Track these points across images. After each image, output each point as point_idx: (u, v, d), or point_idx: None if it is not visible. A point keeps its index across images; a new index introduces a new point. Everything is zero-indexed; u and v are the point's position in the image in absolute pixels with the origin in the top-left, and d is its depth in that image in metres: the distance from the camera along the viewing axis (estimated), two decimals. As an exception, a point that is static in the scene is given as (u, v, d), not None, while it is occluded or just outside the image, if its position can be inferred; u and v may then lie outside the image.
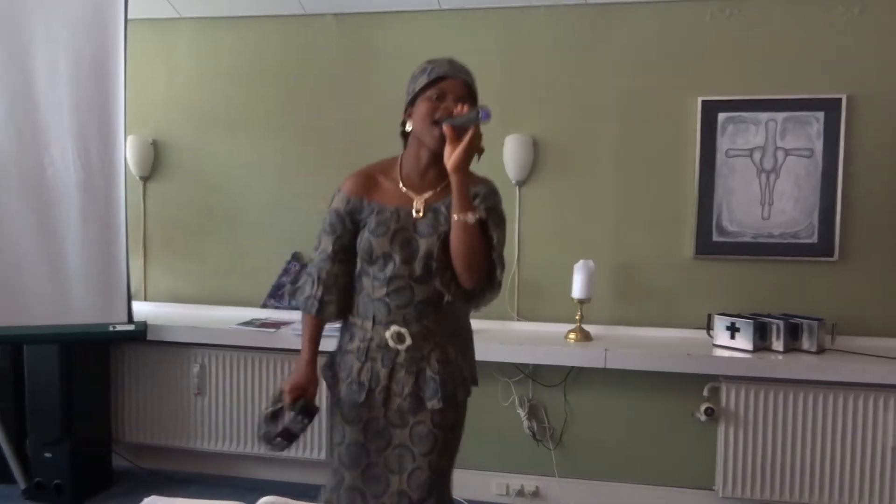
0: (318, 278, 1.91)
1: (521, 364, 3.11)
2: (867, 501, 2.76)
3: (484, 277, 1.79)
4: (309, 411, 1.90)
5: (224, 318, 3.30)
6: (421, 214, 1.82)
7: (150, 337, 3.15)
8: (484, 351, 2.92)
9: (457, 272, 1.77)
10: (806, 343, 2.82)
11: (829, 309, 2.92)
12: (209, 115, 3.46)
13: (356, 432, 1.89)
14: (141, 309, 3.34)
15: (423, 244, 1.79)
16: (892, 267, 2.93)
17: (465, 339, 1.96)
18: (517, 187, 3.19)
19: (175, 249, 3.56)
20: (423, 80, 1.80)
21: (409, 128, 1.84)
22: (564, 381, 3.12)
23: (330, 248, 1.90)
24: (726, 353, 2.82)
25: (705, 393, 2.93)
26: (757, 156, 3.00)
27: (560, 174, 3.17)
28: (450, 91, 1.77)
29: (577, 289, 2.96)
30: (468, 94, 1.80)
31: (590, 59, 3.12)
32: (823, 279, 2.98)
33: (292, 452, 3.17)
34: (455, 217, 1.71)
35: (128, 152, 3.30)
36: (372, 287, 1.86)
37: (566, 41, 3.14)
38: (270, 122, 3.41)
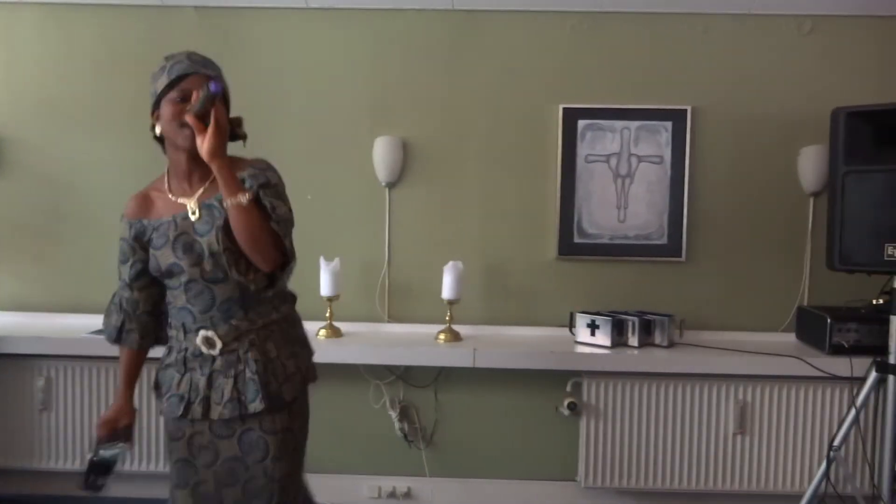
0: (120, 307, 1.91)
1: (392, 366, 3.11)
2: (713, 483, 2.98)
3: (277, 255, 1.76)
4: (98, 467, 1.87)
5: (75, 327, 3.07)
6: (197, 215, 1.79)
7: (-13, 349, 2.89)
8: (355, 353, 2.95)
9: (250, 257, 1.73)
10: (658, 338, 3.01)
11: (678, 305, 3.14)
12: (58, 109, 3.21)
13: (181, 448, 1.83)
14: (-23, 318, 3.05)
15: (205, 242, 1.76)
16: (731, 266, 3.18)
17: (287, 333, 1.89)
18: (387, 189, 3.19)
19: (20, 254, 3.27)
20: (163, 81, 1.76)
21: (158, 132, 1.80)
22: (435, 381, 3.15)
23: (126, 276, 1.88)
24: (587, 350, 2.95)
25: (568, 388, 3.06)
26: (613, 162, 3.17)
27: (429, 176, 3.20)
28: (193, 89, 1.73)
29: (447, 290, 3.00)
30: None
31: (458, 64, 3.18)
32: (673, 278, 3.19)
33: (142, 467, 3.02)
34: (227, 203, 1.68)
35: (-41, 147, 3.00)
36: (174, 296, 1.82)
37: (435, 45, 3.18)
38: (127, 117, 3.21)
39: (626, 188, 3.17)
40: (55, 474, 3.10)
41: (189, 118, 1.66)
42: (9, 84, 3.22)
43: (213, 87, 1.64)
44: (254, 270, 1.77)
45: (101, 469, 1.87)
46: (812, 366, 2.82)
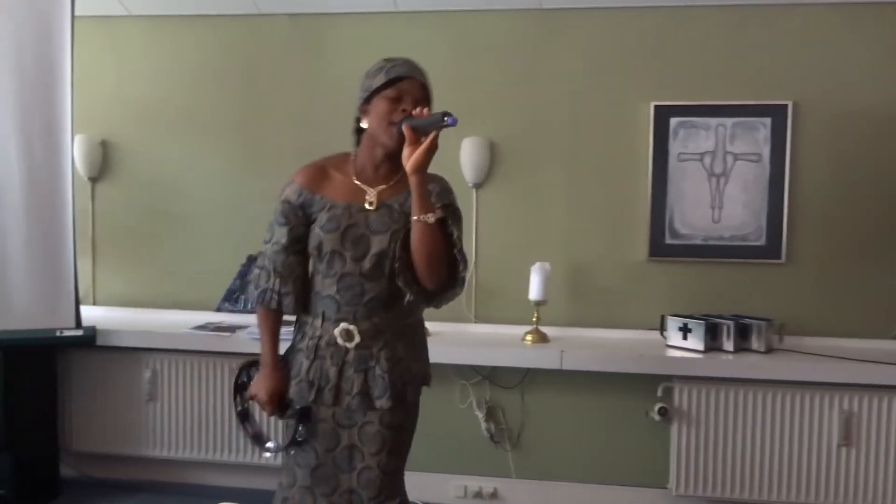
0: (274, 270, 1.86)
1: (479, 366, 3.12)
2: (814, 497, 2.84)
3: (446, 276, 1.79)
4: (305, 415, 1.87)
5: (177, 323, 3.24)
6: (374, 207, 1.82)
7: (99, 342, 3.07)
8: (441, 353, 2.96)
9: (419, 273, 1.77)
10: (755, 343, 2.89)
11: (776, 310, 3.00)
12: (160, 116, 3.39)
13: (307, 431, 1.88)
14: (90, 313, 3.25)
15: (376, 241, 1.79)
16: (835, 269, 3.03)
17: (415, 337, 1.94)
18: (474, 190, 3.20)
19: (125, 252, 3.47)
20: (380, 79, 1.79)
21: (364, 125, 1.83)
22: (521, 382, 3.14)
23: (284, 239, 1.86)
24: (679, 354, 2.87)
25: (659, 393, 2.98)
26: (707, 160, 3.07)
27: (516, 177, 3.19)
28: (408, 92, 1.78)
29: (534, 291, 2.98)
30: (425, 96, 1.82)
31: (544, 63, 3.15)
32: (771, 281, 3.06)
33: (245, 458, 3.14)
34: (415, 218, 1.72)
35: (75, 152, 3.22)
36: (322, 283, 1.84)
37: (520, 44, 3.16)
38: (223, 123, 3.36)
39: (721, 187, 3.06)
40: (160, 461, 3.27)
41: (406, 128, 1.70)
42: (116, 92, 3.41)
43: (450, 121, 1.66)
44: (417, 284, 1.80)
45: (292, 444, 1.88)
46: (926, 376, 2.65)
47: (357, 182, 1.85)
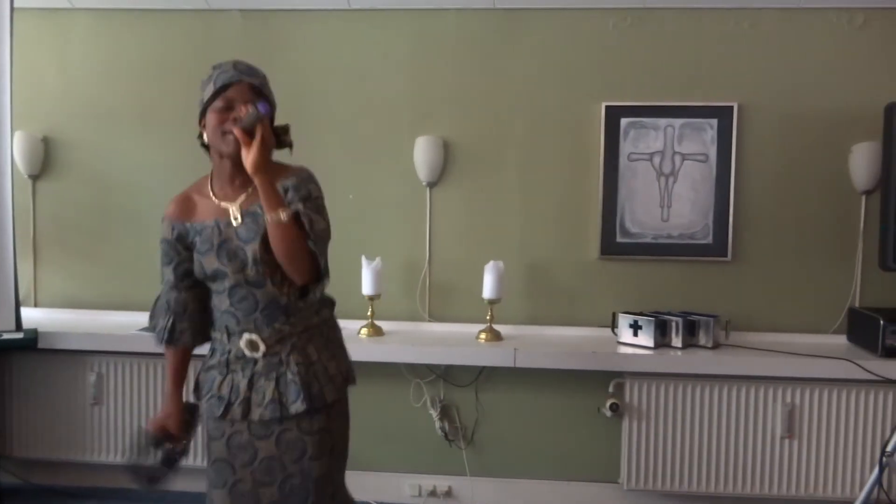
0: (168, 308, 1.92)
1: (433, 365, 3.12)
2: (759, 488, 2.93)
3: (312, 270, 1.78)
4: (169, 453, 1.93)
5: (123, 324, 3.16)
6: (239, 220, 1.81)
7: (41, 345, 2.98)
8: (395, 352, 2.96)
9: (285, 270, 1.76)
10: (702, 339, 2.96)
11: (723, 306, 3.08)
12: (106, 112, 3.30)
13: (220, 448, 1.86)
14: (31, 315, 3.16)
15: (249, 249, 1.78)
16: (778, 266, 3.11)
17: (326, 336, 1.92)
18: (428, 188, 3.20)
19: (69, 252, 3.37)
20: (209, 91, 1.79)
21: (205, 139, 1.84)
22: (476, 380, 3.15)
23: (172, 277, 1.91)
24: (630, 351, 2.92)
25: (611, 389, 3.03)
26: (657, 160, 3.13)
27: (470, 176, 3.20)
28: (237, 98, 1.77)
29: (488, 289, 3.00)
30: (256, 95, 1.80)
31: (498, 63, 3.17)
32: (718, 278, 3.13)
33: (194, 462, 3.07)
34: (267, 218, 1.71)
35: (14, 149, 3.11)
36: (219, 300, 1.85)
37: (475, 44, 3.17)
38: (171, 119, 3.28)
39: (669, 187, 3.12)
40: (106, 467, 3.18)
41: (236, 131, 1.70)
42: (60, 87, 3.31)
43: (261, 108, 1.68)
44: (288, 283, 1.80)
45: (158, 470, 1.93)
46: (864, 369, 2.74)
47: (216, 201, 1.85)
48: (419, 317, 3.23)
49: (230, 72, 1.79)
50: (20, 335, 2.92)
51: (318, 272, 1.81)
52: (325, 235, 1.80)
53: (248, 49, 3.23)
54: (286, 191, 1.78)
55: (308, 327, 1.86)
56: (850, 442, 2.88)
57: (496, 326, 3.04)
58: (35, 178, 3.33)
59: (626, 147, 3.12)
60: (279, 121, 1.90)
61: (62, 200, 3.34)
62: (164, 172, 3.30)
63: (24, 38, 3.09)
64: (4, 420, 3.15)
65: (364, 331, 3.03)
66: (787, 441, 2.91)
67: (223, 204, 1.84)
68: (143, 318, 3.19)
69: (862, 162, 3.00)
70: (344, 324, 3.08)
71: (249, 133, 1.69)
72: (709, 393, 2.92)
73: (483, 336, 3.02)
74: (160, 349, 2.00)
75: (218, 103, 1.77)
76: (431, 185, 3.20)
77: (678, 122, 3.10)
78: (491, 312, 3.03)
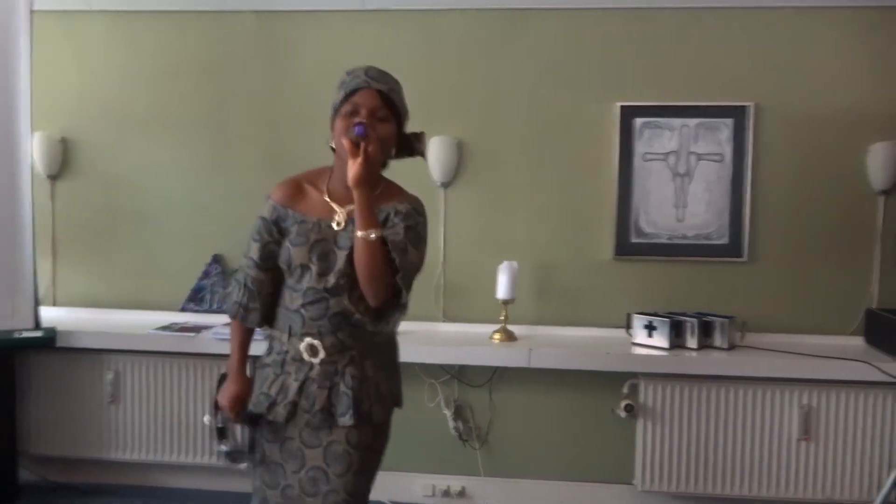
0: (244, 285, 1.89)
1: (447, 365, 3.12)
2: (775, 490, 2.90)
3: (387, 296, 1.76)
4: (255, 421, 1.89)
5: (140, 323, 3.18)
6: (342, 227, 1.80)
7: (59, 343, 3.01)
8: (410, 352, 2.93)
9: (361, 288, 1.74)
10: (718, 340, 2.94)
11: (738, 307, 3.06)
12: (122, 112, 3.33)
13: (274, 451, 1.86)
14: (50, 314, 3.19)
15: (342, 257, 1.76)
16: (795, 267, 3.09)
17: (386, 355, 1.91)
18: (442, 189, 3.20)
19: (87, 251, 3.40)
20: (340, 96, 1.79)
21: (332, 144, 1.82)
22: (490, 380, 3.15)
23: (256, 255, 1.87)
24: (644, 351, 2.91)
25: (625, 390, 3.02)
26: (672, 160, 3.11)
27: (484, 176, 3.20)
28: (362, 104, 1.76)
29: (502, 290, 2.99)
30: (383, 103, 1.78)
31: (513, 62, 3.17)
32: (733, 279, 3.11)
33: (209, 460, 3.10)
34: (357, 233, 1.70)
35: (34, 150, 3.14)
36: (290, 298, 1.83)
37: (490, 44, 3.17)
38: (188, 120, 3.31)
39: (684, 187, 3.11)
40: (123, 464, 3.21)
41: (344, 141, 1.69)
42: (76, 89, 3.34)
43: (357, 130, 1.67)
44: (365, 303, 1.78)
45: (241, 454, 1.94)
46: (881, 371, 2.71)
47: (327, 199, 1.84)
48: (433, 317, 3.23)
49: (360, 77, 1.79)
50: (39, 333, 2.96)
51: (397, 302, 1.78)
52: (414, 269, 1.79)
53: (261, 50, 3.27)
54: (396, 213, 1.77)
55: (370, 344, 1.84)
56: (868, 444, 2.86)
57: (510, 327, 3.04)
58: (54, 178, 3.36)
59: (640, 147, 3.11)
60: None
61: (80, 200, 3.38)
62: (180, 173, 3.33)
63: (43, 41, 3.12)
64: (23, 417, 3.19)
65: (378, 331, 3.04)
66: (803, 443, 2.88)
67: (333, 204, 1.82)
68: (156, 317, 3.26)
69: (879, 162, 2.97)
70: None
71: (358, 146, 1.68)
72: (724, 394, 2.91)
73: (497, 336, 3.02)
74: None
75: (346, 108, 1.76)
76: (445, 185, 3.20)
77: (693, 121, 3.08)
78: (505, 313, 3.03)
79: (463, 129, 3.18)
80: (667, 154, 3.11)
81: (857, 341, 3.02)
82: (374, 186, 1.75)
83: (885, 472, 2.80)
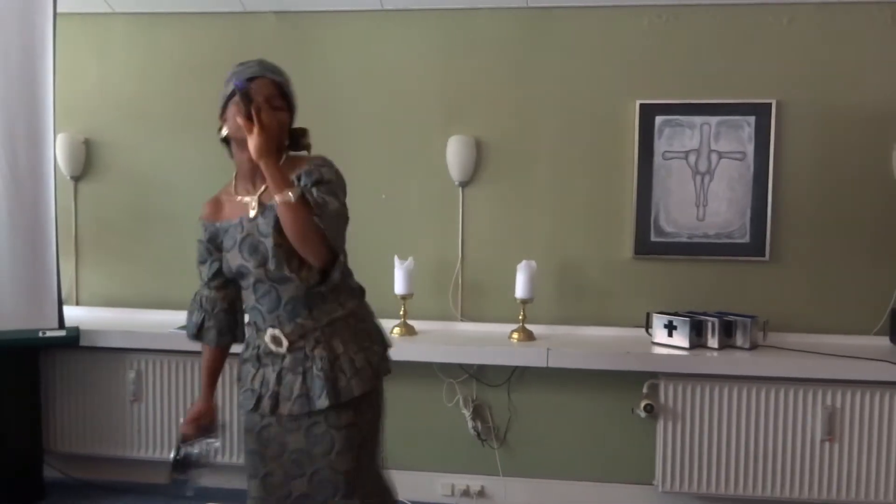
0: (200, 305, 2.00)
1: (466, 364, 3.12)
2: (798, 491, 2.87)
3: (327, 251, 1.77)
4: (205, 437, 1.99)
5: (162, 323, 3.21)
6: (257, 211, 1.83)
7: (82, 343, 3.05)
8: (428, 351, 2.97)
9: (302, 255, 1.76)
10: (739, 340, 2.91)
11: (760, 307, 3.02)
12: (145, 114, 3.37)
13: (253, 440, 1.89)
14: (73, 314, 3.23)
15: (268, 241, 1.79)
16: (818, 266, 3.05)
17: (354, 328, 1.89)
18: (460, 188, 3.20)
19: (109, 251, 3.44)
20: (230, 86, 1.82)
21: (223, 133, 1.87)
22: (508, 380, 3.14)
23: (205, 275, 1.98)
24: (664, 351, 2.89)
25: (645, 390, 3.00)
26: (692, 158, 3.08)
27: (503, 175, 3.19)
28: (258, 91, 1.77)
29: (520, 289, 2.99)
30: (278, 93, 1.83)
31: (531, 62, 3.16)
32: (755, 278, 3.08)
33: (231, 458, 3.12)
34: (276, 199, 1.70)
35: (57, 151, 3.18)
36: (247, 297, 1.90)
37: (508, 43, 3.16)
38: (209, 121, 3.28)
39: (705, 185, 3.08)
40: (145, 462, 3.24)
41: (238, 118, 1.72)
42: (99, 90, 3.39)
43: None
44: (307, 268, 1.80)
45: (186, 465, 1.97)
46: (908, 371, 2.68)
47: (238, 198, 1.88)
48: (452, 316, 3.23)
49: (254, 67, 1.83)
50: (63, 333, 2.99)
51: (333, 252, 1.79)
52: (338, 214, 1.76)
53: (282, 50, 3.27)
54: (299, 178, 1.78)
55: (332, 321, 1.85)
56: (893, 445, 2.81)
57: (529, 326, 3.03)
58: (77, 179, 3.41)
59: (660, 145, 3.09)
60: (302, 123, 1.92)
61: (103, 201, 3.42)
62: (201, 173, 3.33)
63: (66, 43, 3.16)
64: (48, 415, 3.24)
65: (396, 330, 3.05)
66: (827, 444, 2.85)
67: (244, 199, 1.87)
68: (179, 316, 3.25)
69: (905, 159, 2.92)
70: (377, 323, 3.11)
71: (251, 119, 1.69)
72: (746, 395, 2.88)
73: (515, 336, 3.01)
74: (189, 342, 2.06)
75: (237, 97, 1.77)
76: (464, 184, 3.20)
77: (714, 119, 3.05)
78: (523, 312, 3.02)
79: (481, 129, 3.18)
80: (687, 152, 3.08)
81: (883, 341, 2.98)
82: (278, 158, 1.74)
83: (912, 474, 2.76)
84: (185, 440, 2.00)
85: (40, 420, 3.20)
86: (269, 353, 1.86)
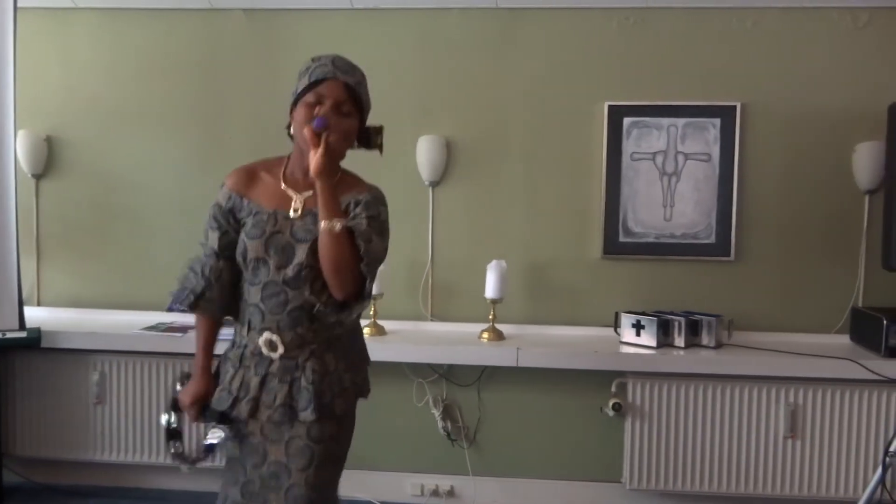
0: (201, 274, 1.85)
1: (436, 364, 3.12)
2: (762, 487, 2.92)
3: (353, 287, 1.73)
4: (224, 418, 1.84)
5: (126, 323, 3.16)
6: (299, 214, 1.77)
7: (44, 344, 2.99)
8: (398, 351, 2.96)
9: (326, 280, 1.72)
10: (705, 339, 2.96)
11: (726, 306, 3.07)
12: (110, 111, 3.31)
13: (234, 447, 1.85)
14: (34, 314, 3.16)
15: (300, 249, 1.74)
16: (781, 266, 3.11)
17: (348, 346, 1.88)
18: (430, 188, 3.20)
19: (73, 251, 3.37)
20: (303, 83, 1.76)
21: (292, 131, 1.80)
22: (478, 380, 3.15)
23: (216, 244, 1.84)
24: (632, 350, 2.92)
25: (613, 388, 3.02)
26: (659, 159, 3.12)
27: (473, 175, 3.20)
28: (328, 95, 1.73)
29: (490, 289, 2.99)
30: (348, 95, 1.76)
31: (501, 62, 3.17)
32: (721, 278, 3.13)
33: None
34: (321, 224, 1.67)
35: (18, 148, 3.11)
36: (248, 291, 1.81)
37: (478, 43, 3.17)
38: (176, 118, 3.29)
39: (672, 186, 3.12)
40: (109, 466, 3.19)
41: (306, 130, 1.67)
42: (62, 87, 3.31)
43: (317, 123, 1.65)
44: (327, 294, 1.75)
45: (206, 452, 1.87)
46: (867, 368, 2.74)
47: (284, 188, 1.81)
48: (422, 316, 3.23)
49: (327, 67, 1.75)
50: (23, 334, 2.93)
51: (361, 292, 1.75)
52: (378, 258, 1.76)
53: (251, 48, 3.25)
54: (356, 204, 1.74)
55: (331, 337, 1.81)
56: (854, 442, 2.88)
57: (498, 326, 3.04)
58: (38, 177, 3.33)
59: (628, 146, 3.12)
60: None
61: (65, 199, 3.35)
62: (168, 172, 3.30)
63: (28, 37, 3.09)
64: (7, 419, 3.16)
65: (367, 330, 3.03)
66: (790, 441, 2.90)
67: (289, 190, 1.80)
68: (144, 317, 3.23)
69: (865, 161, 2.99)
70: (346, 323, 3.09)
71: (320, 136, 1.66)
72: (711, 393, 2.92)
73: (485, 335, 3.02)
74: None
75: (309, 97, 1.73)
76: (434, 184, 3.20)
77: (681, 121, 3.10)
78: (493, 312, 3.03)
79: (451, 129, 3.18)
80: (654, 153, 3.12)
81: (843, 339, 3.05)
82: (335, 177, 1.73)
83: (871, 468, 2.82)
84: (197, 420, 1.88)
85: (0, 423, 3.12)
86: (256, 356, 1.80)
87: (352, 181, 1.83)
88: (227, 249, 1.83)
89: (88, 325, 3.13)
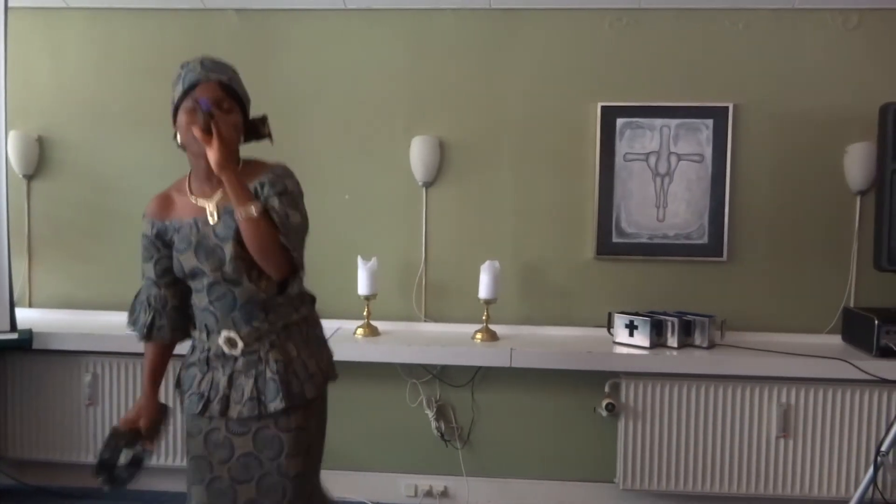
0: (147, 305, 1.93)
1: (429, 365, 3.12)
2: (755, 487, 2.93)
3: (287, 265, 1.77)
4: (137, 453, 1.93)
5: (119, 324, 3.11)
6: (216, 218, 1.81)
7: (35, 345, 2.97)
8: (391, 352, 2.96)
9: (260, 266, 1.76)
10: (698, 339, 2.97)
11: (718, 306, 3.08)
12: (101, 112, 3.29)
13: (198, 445, 1.86)
14: (26, 316, 3.15)
15: (226, 247, 1.77)
16: (773, 266, 3.12)
17: (307, 333, 1.91)
18: (424, 188, 3.20)
19: (64, 252, 3.36)
20: (178, 91, 1.79)
21: (179, 139, 1.83)
22: (472, 380, 3.15)
23: (153, 273, 1.92)
24: (625, 351, 2.93)
25: (606, 389, 3.03)
26: (652, 160, 3.13)
27: (466, 176, 3.20)
28: (204, 97, 1.75)
29: (484, 289, 3.00)
30: (225, 94, 1.79)
31: (494, 63, 3.17)
32: (714, 278, 3.14)
33: (173, 461, 3.06)
34: (237, 213, 1.70)
35: (9, 149, 3.10)
36: (198, 299, 1.85)
37: (472, 44, 3.17)
38: (167, 119, 3.23)
39: (665, 187, 3.13)
40: (101, 468, 3.17)
41: (195, 130, 1.69)
42: (53, 87, 3.30)
43: (202, 104, 1.68)
44: (266, 278, 1.79)
45: (111, 466, 1.92)
46: (859, 368, 2.75)
47: (194, 199, 1.85)
48: (415, 317, 3.23)
49: (197, 70, 1.78)
50: (15, 336, 2.91)
51: (293, 266, 1.79)
52: (300, 229, 1.78)
53: (243, 48, 3.24)
54: (262, 186, 1.77)
55: (287, 325, 1.85)
56: (845, 441, 2.89)
57: (492, 326, 3.04)
58: (30, 177, 3.31)
59: (621, 147, 3.13)
60: (254, 112, 1.90)
61: (57, 200, 3.33)
62: (159, 172, 3.23)
63: (19, 38, 3.08)
64: (-1, 421, 3.15)
65: (360, 331, 3.03)
66: (782, 441, 2.91)
67: (200, 202, 1.83)
68: (138, 318, 3.20)
69: (856, 162, 3.01)
70: (339, 324, 3.10)
71: (209, 132, 1.68)
72: (704, 393, 2.93)
73: (479, 336, 3.02)
74: (140, 344, 2.00)
75: (187, 103, 1.76)
76: (427, 185, 3.20)
77: (674, 122, 3.10)
78: (487, 312, 3.03)
79: (445, 129, 3.18)
80: (647, 154, 3.13)
81: (835, 340, 3.06)
82: (237, 166, 1.76)
83: (863, 468, 2.84)
84: (116, 438, 1.94)
85: (-9, 425, 3.11)
86: (221, 356, 1.83)
87: (255, 166, 1.85)
88: (165, 275, 1.91)
89: (80, 327, 3.12)
